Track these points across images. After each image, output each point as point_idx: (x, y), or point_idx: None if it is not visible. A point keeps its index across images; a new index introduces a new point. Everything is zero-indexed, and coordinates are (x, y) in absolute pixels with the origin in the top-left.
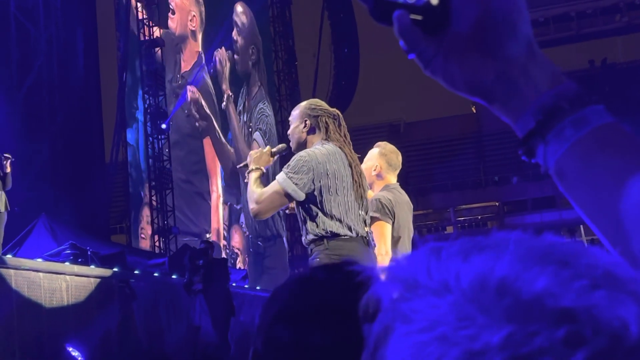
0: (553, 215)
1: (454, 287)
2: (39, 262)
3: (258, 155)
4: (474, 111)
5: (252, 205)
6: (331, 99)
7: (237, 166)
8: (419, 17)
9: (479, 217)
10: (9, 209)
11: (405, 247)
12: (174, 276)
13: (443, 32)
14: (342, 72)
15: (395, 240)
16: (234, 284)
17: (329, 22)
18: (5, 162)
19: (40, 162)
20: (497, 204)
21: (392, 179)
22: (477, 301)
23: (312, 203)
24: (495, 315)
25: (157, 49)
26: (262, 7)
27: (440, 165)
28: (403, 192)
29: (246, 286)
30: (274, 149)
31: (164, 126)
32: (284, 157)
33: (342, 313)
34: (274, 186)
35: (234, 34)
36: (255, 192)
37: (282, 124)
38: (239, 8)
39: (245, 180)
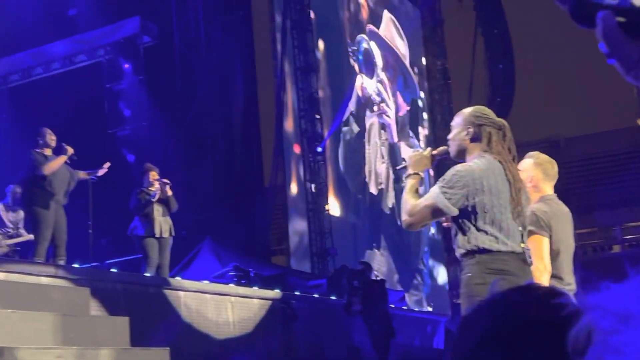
0: None
1: None
2: (205, 284)
3: (418, 158)
4: None
5: (404, 217)
6: None
7: (397, 167)
8: (623, 20)
9: None
10: (174, 234)
11: (565, 262)
12: (333, 297)
13: None
14: (497, 89)
15: (554, 255)
16: (392, 305)
17: (482, 39)
18: (165, 187)
19: (205, 187)
20: None
21: (549, 189)
22: None
23: (465, 218)
24: None
25: (312, 74)
26: (415, 28)
27: (605, 181)
28: (561, 203)
29: (404, 307)
30: (435, 151)
31: (319, 149)
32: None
33: (551, 336)
34: (427, 199)
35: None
36: (408, 202)
37: (436, 143)
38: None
39: (403, 184)
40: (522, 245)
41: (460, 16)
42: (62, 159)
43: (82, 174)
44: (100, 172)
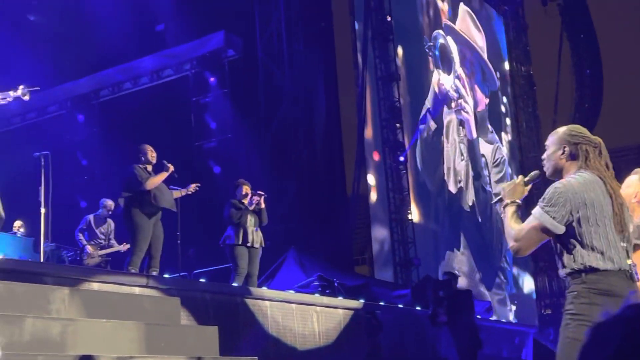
0: None
1: None
2: (291, 294)
3: (511, 188)
4: None
5: (511, 243)
6: (574, 122)
7: (492, 202)
8: None
9: None
10: (263, 245)
11: None
12: (417, 307)
13: None
14: (584, 95)
15: None
16: (478, 316)
17: (568, 44)
18: (259, 198)
19: (288, 197)
20: None
21: None
22: None
23: (570, 236)
24: None
25: (393, 83)
26: (498, 33)
27: None
28: None
29: (492, 318)
30: (527, 178)
31: (402, 158)
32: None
33: None
34: (531, 221)
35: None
36: (513, 228)
37: (522, 150)
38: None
39: (502, 216)
40: (628, 261)
41: (546, 21)
42: (163, 175)
43: (175, 194)
44: (190, 191)
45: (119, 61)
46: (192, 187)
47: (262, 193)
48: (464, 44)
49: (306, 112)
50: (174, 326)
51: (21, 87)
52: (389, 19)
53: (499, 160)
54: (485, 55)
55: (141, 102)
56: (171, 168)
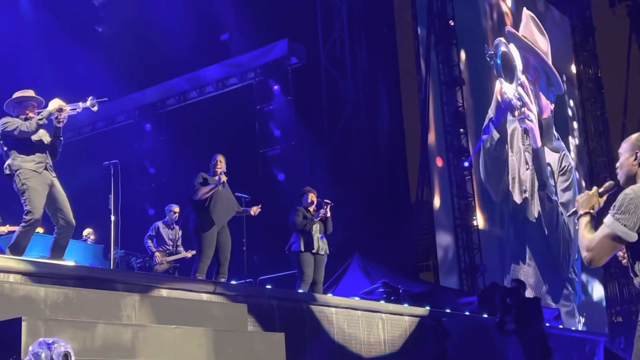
0: None
1: None
2: (356, 301)
3: (586, 199)
4: None
5: (584, 253)
6: None
7: (567, 215)
8: None
9: None
10: (328, 252)
11: None
12: (484, 315)
13: None
14: None
15: None
16: (547, 324)
17: (637, 46)
18: (325, 207)
19: (352, 204)
20: None
21: None
22: None
23: None
24: None
25: (457, 88)
26: (563, 35)
27: None
28: None
29: (560, 326)
30: (601, 189)
31: (466, 164)
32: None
33: None
34: (602, 230)
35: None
36: (585, 238)
37: (590, 154)
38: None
39: (577, 227)
40: None
41: (614, 22)
42: (212, 187)
43: (238, 210)
44: (252, 212)
45: (185, 70)
46: (255, 210)
47: (329, 202)
48: (528, 50)
49: (369, 118)
50: (242, 332)
51: (90, 98)
52: (451, 23)
53: (565, 168)
54: (549, 60)
55: (206, 110)
56: (223, 178)
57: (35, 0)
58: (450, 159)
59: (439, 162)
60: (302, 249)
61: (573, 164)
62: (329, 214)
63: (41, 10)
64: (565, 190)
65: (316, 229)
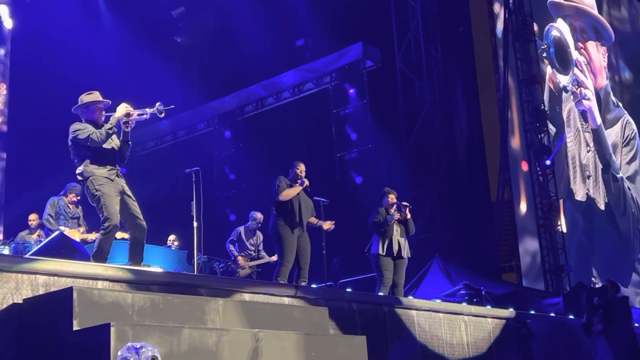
0: None
1: None
2: (437, 303)
3: None
4: None
5: None
6: None
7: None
8: None
9: None
10: (409, 255)
11: None
12: (570, 316)
13: None
14: None
15: None
16: (636, 324)
17: None
18: (404, 209)
19: (430, 205)
20: None
21: None
22: None
23: None
24: None
25: (536, 85)
26: None
27: None
28: None
29: None
30: None
31: (548, 162)
32: None
33: None
34: None
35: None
36: None
37: None
38: None
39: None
40: None
41: None
42: (297, 189)
43: (312, 220)
44: (325, 227)
45: (262, 77)
46: (328, 224)
47: (407, 204)
48: (572, 15)
49: (446, 119)
50: (323, 336)
51: (158, 103)
52: (531, 21)
53: (629, 137)
54: (595, 11)
55: (284, 116)
56: (306, 182)
57: (115, 13)
58: (532, 158)
59: (525, 166)
60: (381, 252)
61: (635, 128)
62: (409, 216)
63: (122, 23)
64: (630, 162)
65: (397, 231)
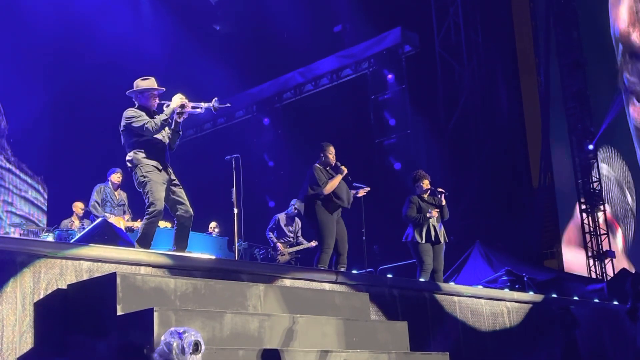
0: None
1: None
2: (480, 289)
3: None
4: None
5: None
6: None
7: None
8: None
9: None
10: (447, 240)
11: None
12: (614, 302)
13: None
14: None
15: None
16: None
17: None
18: (440, 196)
19: (471, 191)
20: None
21: None
22: None
23: None
24: None
25: (578, 69)
26: None
27: None
28: None
29: None
30: None
31: (591, 147)
32: None
33: None
34: None
35: None
36: None
37: None
38: None
39: None
40: None
41: None
42: (338, 178)
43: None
44: (360, 194)
45: (300, 64)
46: (362, 192)
47: (443, 190)
48: None
49: (486, 104)
50: (365, 321)
51: (214, 99)
52: (573, 4)
53: None
54: None
55: (322, 102)
56: (345, 171)
57: (155, 2)
58: (574, 142)
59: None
60: (420, 240)
61: None
62: (444, 202)
63: (161, 12)
64: None
65: (432, 217)
